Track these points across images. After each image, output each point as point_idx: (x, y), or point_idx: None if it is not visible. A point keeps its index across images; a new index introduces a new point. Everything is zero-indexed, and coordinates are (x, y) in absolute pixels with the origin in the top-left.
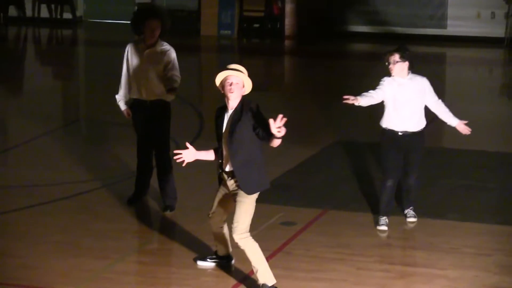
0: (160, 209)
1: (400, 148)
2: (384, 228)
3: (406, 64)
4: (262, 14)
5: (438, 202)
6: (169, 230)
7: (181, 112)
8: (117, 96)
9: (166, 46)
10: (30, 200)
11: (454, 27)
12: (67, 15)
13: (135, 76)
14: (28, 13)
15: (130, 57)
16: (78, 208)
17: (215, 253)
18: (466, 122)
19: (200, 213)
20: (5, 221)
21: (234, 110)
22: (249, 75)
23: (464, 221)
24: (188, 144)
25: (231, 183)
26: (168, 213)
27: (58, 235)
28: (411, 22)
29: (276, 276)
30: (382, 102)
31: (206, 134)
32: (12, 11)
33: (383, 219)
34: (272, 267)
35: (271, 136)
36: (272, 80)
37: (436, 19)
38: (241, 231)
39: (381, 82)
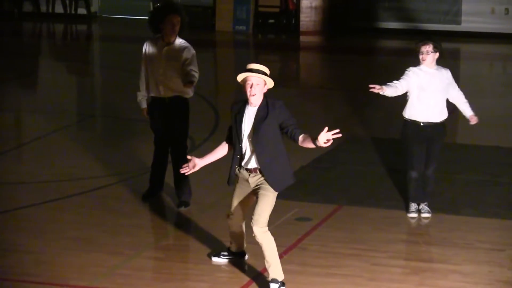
0: (175, 205)
1: (423, 139)
2: (414, 215)
3: (437, 55)
4: (277, 9)
5: (452, 198)
6: (184, 226)
7: (196, 107)
8: (138, 94)
9: (185, 43)
10: (45, 196)
11: (468, 23)
12: (81, 11)
13: (154, 74)
14: (43, 8)
15: (149, 55)
16: (93, 204)
17: (228, 249)
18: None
19: (216, 210)
20: (20, 217)
21: (258, 108)
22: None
23: (478, 216)
24: (189, 157)
25: (254, 180)
26: (183, 209)
27: (73, 231)
28: (426, 18)
29: (291, 271)
30: (405, 93)
31: (222, 129)
32: (27, 6)
33: (413, 206)
34: (287, 262)
35: (313, 140)
36: (287, 75)
37: (451, 15)
38: (263, 224)
39: (406, 72)
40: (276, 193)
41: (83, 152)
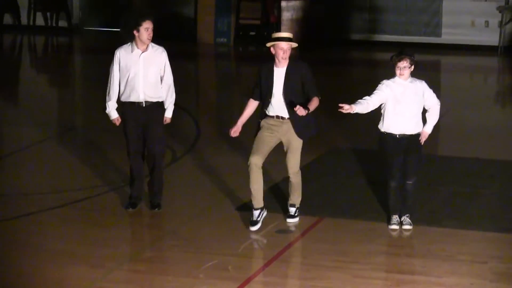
0: (149, 210)
1: (400, 150)
2: (395, 227)
3: (412, 68)
4: (258, 22)
5: (434, 209)
6: (165, 238)
7: (177, 119)
8: (109, 104)
9: (158, 47)
10: (26, 208)
11: (448, 35)
12: (62, 23)
13: (132, 80)
14: (24, 21)
15: (124, 62)
16: (74, 216)
17: (255, 216)
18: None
19: (197, 222)
20: (1, 230)
21: (287, 68)
22: (244, 83)
23: (460, 228)
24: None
25: (284, 128)
26: (156, 211)
27: (54, 243)
28: (406, 30)
29: (273, 284)
30: (379, 106)
31: (203, 140)
32: (7, 19)
33: (395, 218)
34: (268, 274)
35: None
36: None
37: (431, 27)
38: (298, 169)
39: (379, 86)
40: (302, 141)
41: (64, 164)
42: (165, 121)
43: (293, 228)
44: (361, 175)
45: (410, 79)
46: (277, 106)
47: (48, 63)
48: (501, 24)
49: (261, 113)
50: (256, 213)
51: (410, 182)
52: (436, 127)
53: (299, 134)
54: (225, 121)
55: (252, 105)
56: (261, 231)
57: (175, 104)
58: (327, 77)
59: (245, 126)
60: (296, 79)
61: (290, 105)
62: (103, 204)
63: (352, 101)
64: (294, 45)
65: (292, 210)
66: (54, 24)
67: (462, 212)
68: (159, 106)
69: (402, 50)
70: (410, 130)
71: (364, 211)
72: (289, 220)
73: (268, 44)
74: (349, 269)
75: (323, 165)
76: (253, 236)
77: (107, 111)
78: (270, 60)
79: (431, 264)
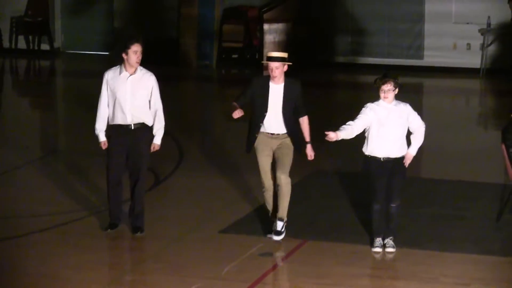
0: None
1: (384, 173)
2: (379, 250)
3: (397, 91)
4: (241, 44)
5: (417, 232)
6: (148, 261)
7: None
8: (97, 126)
9: (147, 71)
10: (8, 232)
11: (431, 58)
12: (44, 46)
13: (119, 102)
14: (5, 44)
15: (112, 84)
16: (56, 240)
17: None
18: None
19: (180, 244)
20: None
21: (285, 85)
22: (227, 105)
23: (443, 250)
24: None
25: (276, 141)
26: (139, 235)
27: (36, 267)
28: (388, 53)
29: None
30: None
31: (187, 163)
32: None
33: (378, 241)
34: None
35: (304, 140)
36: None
37: (413, 50)
38: (288, 173)
39: (363, 110)
40: (292, 148)
41: (46, 188)
42: (153, 148)
43: (276, 251)
44: (344, 197)
45: (395, 102)
46: (272, 121)
47: (30, 86)
48: (483, 47)
49: (253, 125)
50: (280, 224)
51: (394, 205)
52: (419, 149)
53: (295, 145)
54: (208, 143)
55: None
56: (244, 254)
57: (165, 132)
58: (310, 99)
59: (224, 153)
60: (293, 97)
61: (286, 121)
62: (84, 228)
63: (335, 123)
64: (288, 63)
65: (280, 224)
66: (36, 48)
67: (445, 235)
68: (147, 129)
69: (386, 73)
70: (395, 153)
71: (347, 233)
72: (275, 237)
73: (263, 62)
74: None
75: (306, 188)
76: (236, 259)
77: (96, 133)
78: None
79: (414, 287)
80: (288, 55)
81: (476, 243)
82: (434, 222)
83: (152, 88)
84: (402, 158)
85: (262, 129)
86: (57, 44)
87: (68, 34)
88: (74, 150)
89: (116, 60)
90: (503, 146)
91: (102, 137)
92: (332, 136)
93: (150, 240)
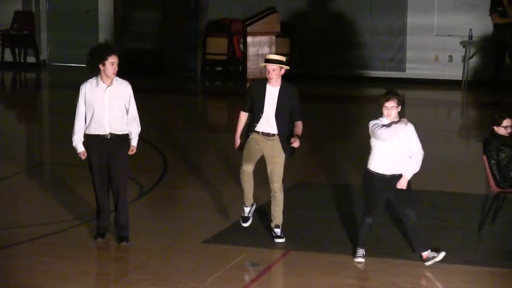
0: (117, 244)
1: (386, 190)
2: (361, 260)
3: (399, 108)
4: (224, 57)
5: (399, 242)
6: (133, 272)
7: (144, 154)
8: (74, 138)
9: (123, 81)
10: None
11: (412, 70)
12: (30, 59)
13: (97, 114)
14: None
15: (89, 96)
16: (42, 251)
17: (245, 212)
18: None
19: (165, 255)
20: None
21: (280, 88)
22: (211, 117)
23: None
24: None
25: (269, 143)
26: (124, 244)
27: (22, 278)
28: (370, 65)
29: None
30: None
31: (171, 174)
32: None
33: (361, 251)
34: None
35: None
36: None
37: (395, 62)
38: (281, 181)
39: (373, 126)
40: (284, 156)
41: (32, 199)
42: (131, 150)
43: (259, 261)
44: (327, 208)
45: (397, 119)
46: (266, 122)
47: (16, 99)
48: (464, 59)
49: (249, 124)
50: (247, 209)
51: (414, 218)
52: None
53: (283, 148)
54: (192, 155)
55: (243, 118)
56: (227, 264)
57: (140, 138)
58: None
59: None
60: (288, 100)
61: (278, 123)
62: (70, 238)
63: (317, 134)
64: (285, 67)
65: (278, 231)
66: (22, 60)
67: (427, 245)
68: (124, 139)
69: (390, 90)
70: (400, 170)
71: (329, 244)
72: (278, 240)
73: (261, 64)
74: None
75: (288, 199)
76: (220, 269)
77: (73, 145)
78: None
79: None
80: (287, 60)
81: (458, 253)
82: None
83: (129, 97)
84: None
85: (256, 129)
86: (42, 56)
87: (53, 47)
88: (60, 161)
89: (92, 72)
90: (485, 158)
91: (81, 148)
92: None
93: (135, 251)
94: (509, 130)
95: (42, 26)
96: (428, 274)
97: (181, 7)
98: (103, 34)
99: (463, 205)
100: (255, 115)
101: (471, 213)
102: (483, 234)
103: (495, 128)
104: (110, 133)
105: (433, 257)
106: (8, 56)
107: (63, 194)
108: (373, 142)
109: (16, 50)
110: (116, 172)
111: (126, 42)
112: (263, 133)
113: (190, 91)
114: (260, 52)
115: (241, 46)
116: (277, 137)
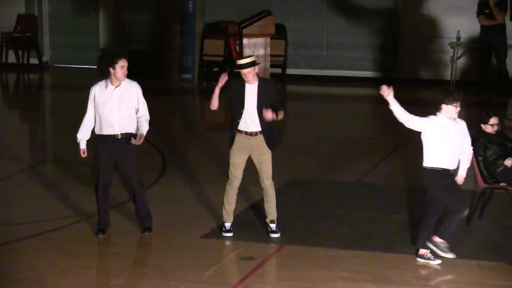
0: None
1: (448, 186)
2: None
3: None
4: (221, 58)
5: (389, 236)
6: (134, 266)
7: (143, 152)
8: (78, 136)
9: (131, 81)
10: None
11: (403, 70)
12: (33, 61)
13: (107, 115)
14: None
15: (99, 97)
16: (46, 246)
17: (225, 226)
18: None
19: (164, 250)
20: None
21: (259, 84)
22: (208, 117)
23: (414, 254)
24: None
25: (254, 142)
26: (147, 234)
27: (26, 272)
28: (363, 66)
29: None
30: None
31: (170, 172)
32: None
33: (444, 244)
34: None
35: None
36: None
37: (387, 63)
38: (271, 179)
39: (428, 117)
40: (270, 152)
41: (35, 196)
42: (140, 137)
43: (255, 256)
44: (319, 205)
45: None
46: (249, 119)
47: (19, 99)
48: (452, 60)
49: (232, 123)
50: (228, 225)
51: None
52: (391, 158)
53: (269, 145)
54: (190, 153)
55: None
56: (225, 258)
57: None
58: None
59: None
60: (267, 95)
61: (261, 119)
62: (73, 234)
63: (309, 132)
64: (258, 66)
65: (273, 226)
66: (25, 62)
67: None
68: (132, 137)
69: (453, 91)
70: (456, 165)
71: (323, 239)
72: (273, 235)
73: (234, 70)
74: None
75: (282, 196)
76: (218, 263)
77: (77, 141)
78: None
79: None
80: (255, 57)
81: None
82: (405, 227)
83: (137, 97)
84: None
85: (240, 127)
86: (45, 58)
87: (55, 49)
88: (62, 160)
89: (103, 74)
90: (473, 155)
91: (83, 145)
92: (386, 91)
93: (135, 245)
94: (495, 128)
95: (44, 29)
96: (418, 267)
97: (180, 10)
98: (104, 37)
99: None
100: (237, 112)
101: None
102: (471, 228)
103: (482, 126)
104: (121, 133)
105: (428, 259)
106: (11, 58)
107: (65, 192)
108: (432, 138)
109: (19, 52)
110: (128, 172)
111: (126, 44)
112: (246, 133)
113: (188, 91)
114: (255, 53)
115: (237, 48)
116: (260, 136)
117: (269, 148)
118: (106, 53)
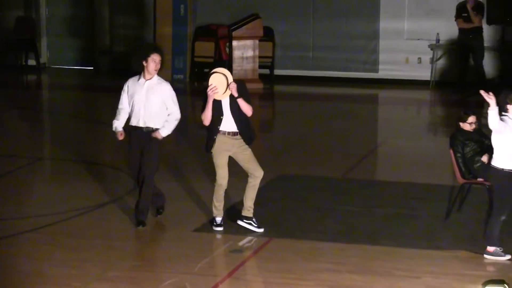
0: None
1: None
2: (509, 256)
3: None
4: (211, 60)
5: (372, 230)
6: (129, 258)
7: None
8: (114, 121)
9: (164, 80)
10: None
11: (385, 71)
12: (31, 62)
13: (135, 106)
14: None
15: (131, 90)
16: (43, 240)
17: (216, 221)
18: None
19: (159, 243)
20: None
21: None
22: (200, 115)
23: (396, 246)
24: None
25: (234, 142)
26: (141, 228)
27: (26, 265)
28: (346, 67)
29: None
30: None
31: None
32: None
33: (499, 249)
34: None
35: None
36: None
37: (369, 64)
38: (259, 166)
39: (506, 119)
40: (250, 149)
41: (33, 192)
42: (155, 134)
43: (245, 248)
44: (305, 199)
45: None
46: (228, 121)
47: (18, 99)
48: (432, 61)
49: (212, 129)
50: (219, 219)
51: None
52: (374, 155)
53: (247, 141)
54: (183, 149)
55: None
56: (215, 251)
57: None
58: (275, 110)
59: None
60: (240, 95)
61: (236, 120)
62: (70, 229)
63: (295, 131)
64: (229, 78)
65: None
66: (23, 63)
67: (398, 232)
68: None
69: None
70: None
71: (309, 232)
72: (241, 223)
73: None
74: (296, 285)
75: (270, 191)
76: (209, 256)
77: (114, 126)
78: None
79: (370, 280)
80: (228, 69)
81: (426, 240)
82: (388, 220)
83: (167, 97)
84: None
85: (222, 128)
86: (43, 60)
87: (53, 50)
88: (59, 157)
89: (137, 68)
90: (451, 151)
91: (120, 128)
92: (490, 96)
93: (130, 239)
94: (473, 126)
95: (42, 31)
96: (400, 259)
97: (172, 14)
98: (99, 39)
99: (431, 195)
100: (217, 118)
101: (439, 203)
102: (450, 222)
103: (461, 124)
104: (146, 127)
105: (498, 255)
106: (10, 59)
107: (62, 188)
108: (498, 138)
109: (18, 53)
110: (146, 162)
111: (120, 46)
112: (229, 133)
113: (180, 91)
114: (244, 55)
115: (227, 50)
116: (239, 136)
117: (248, 143)
118: (140, 47)
